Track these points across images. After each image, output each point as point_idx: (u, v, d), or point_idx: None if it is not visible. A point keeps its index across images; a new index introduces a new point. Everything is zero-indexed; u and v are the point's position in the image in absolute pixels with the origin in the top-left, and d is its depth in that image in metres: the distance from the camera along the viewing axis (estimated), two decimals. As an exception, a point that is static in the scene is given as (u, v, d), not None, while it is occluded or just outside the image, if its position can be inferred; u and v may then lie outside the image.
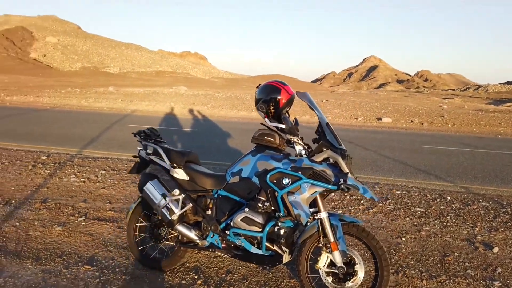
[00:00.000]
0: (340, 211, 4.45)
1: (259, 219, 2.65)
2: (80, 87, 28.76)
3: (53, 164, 6.35)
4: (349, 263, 2.66)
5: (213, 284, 2.92)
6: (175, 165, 2.97)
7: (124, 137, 9.63)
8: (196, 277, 3.01)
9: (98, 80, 48.41)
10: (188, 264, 3.20)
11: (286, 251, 2.70)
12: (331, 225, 2.62)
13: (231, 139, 9.84)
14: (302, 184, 2.57)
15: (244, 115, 15.87)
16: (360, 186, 2.55)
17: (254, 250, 2.75)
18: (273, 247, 2.69)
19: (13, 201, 4.51)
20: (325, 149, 2.62)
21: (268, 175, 2.64)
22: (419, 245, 3.65)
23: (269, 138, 2.73)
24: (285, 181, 2.60)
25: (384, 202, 4.84)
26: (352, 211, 4.47)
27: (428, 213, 4.56)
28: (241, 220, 2.69)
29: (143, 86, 29.06)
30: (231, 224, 2.75)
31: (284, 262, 2.72)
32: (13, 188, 5.02)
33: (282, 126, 2.65)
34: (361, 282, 2.64)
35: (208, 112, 16.22)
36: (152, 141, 3.14)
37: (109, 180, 5.54)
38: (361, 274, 2.63)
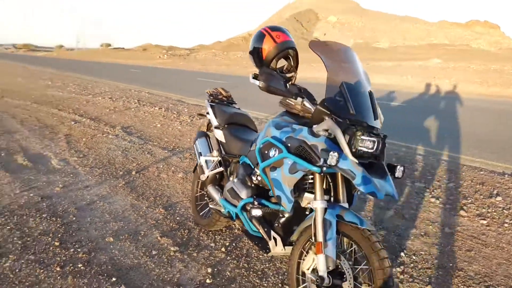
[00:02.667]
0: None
1: (242, 193, 2.34)
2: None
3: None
4: (338, 275, 1.99)
5: (237, 256, 2.82)
6: (218, 125, 2.95)
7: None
8: (226, 243, 2.97)
9: (360, 54, 49.49)
10: (227, 230, 3.17)
11: (276, 239, 2.28)
12: (324, 220, 2.01)
13: (439, 119, 8.31)
14: (285, 159, 2.08)
15: (494, 92, 12.82)
16: (358, 174, 1.85)
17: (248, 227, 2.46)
18: (261, 229, 2.31)
19: (176, 148, 5.57)
20: (326, 118, 1.99)
21: (259, 144, 2.27)
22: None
23: (288, 101, 2.28)
24: (272, 152, 2.18)
25: None
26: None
27: None
28: (227, 190, 2.45)
29: (398, 60, 27.67)
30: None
31: (273, 252, 2.31)
32: (189, 140, 6.16)
33: (257, 82, 2.17)
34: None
35: (446, 87, 14.02)
36: (210, 100, 3.18)
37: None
38: None
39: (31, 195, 3.66)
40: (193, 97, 11.35)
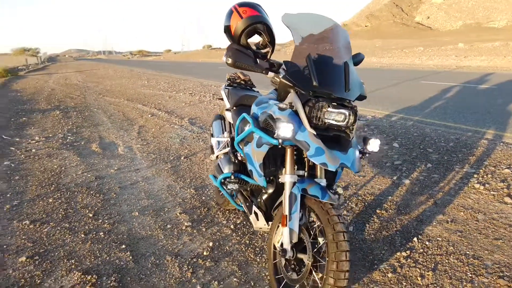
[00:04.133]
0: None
1: (225, 168, 2.41)
2: (439, 45, 27.82)
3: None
4: (304, 248, 1.97)
5: (243, 233, 2.91)
6: (229, 107, 3.05)
7: (404, 95, 9.12)
8: (238, 221, 3.06)
9: (469, 36, 44.47)
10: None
11: (258, 214, 2.30)
12: (291, 194, 2.00)
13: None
14: (253, 134, 2.11)
15: None
16: (313, 146, 1.83)
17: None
18: (243, 204, 2.36)
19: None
20: (291, 90, 1.99)
21: (238, 121, 2.32)
22: None
23: (273, 78, 2.29)
24: (246, 128, 2.21)
25: None
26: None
27: None
28: (214, 166, 2.53)
29: (507, 40, 24.19)
30: None
31: (256, 227, 2.35)
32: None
33: (224, 59, 2.18)
34: (316, 281, 1.89)
35: None
36: (227, 84, 3.28)
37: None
38: (307, 268, 1.89)
39: (89, 175, 4.20)
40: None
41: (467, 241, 2.57)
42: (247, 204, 2.35)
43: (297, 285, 1.99)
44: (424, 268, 2.31)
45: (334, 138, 1.97)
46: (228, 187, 2.30)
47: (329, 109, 1.90)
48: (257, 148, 2.09)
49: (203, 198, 3.55)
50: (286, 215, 1.97)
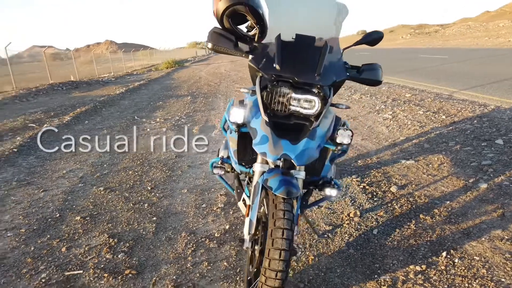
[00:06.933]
0: None
1: (220, 152, 2.39)
2: None
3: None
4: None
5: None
6: None
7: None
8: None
9: None
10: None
11: (246, 200, 2.23)
12: (256, 184, 1.92)
13: None
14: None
15: None
16: (260, 133, 1.78)
17: None
18: (234, 191, 2.31)
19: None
20: (258, 74, 1.92)
21: (229, 104, 2.29)
22: None
23: None
24: None
25: None
26: None
27: None
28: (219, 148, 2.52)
29: None
30: None
31: (244, 214, 2.28)
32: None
33: (206, 44, 2.11)
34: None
35: None
36: None
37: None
38: (257, 262, 1.79)
39: (172, 154, 4.67)
40: (395, 76, 10.55)
41: (515, 268, 1.95)
42: (238, 190, 2.29)
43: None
44: (430, 289, 1.86)
45: (294, 126, 1.79)
46: (214, 171, 2.29)
47: (293, 95, 1.76)
48: (230, 134, 2.05)
49: (253, 183, 3.57)
50: (249, 205, 1.89)
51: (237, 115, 1.84)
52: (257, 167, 1.91)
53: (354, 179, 3.38)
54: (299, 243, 2.47)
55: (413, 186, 3.13)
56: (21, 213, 3.19)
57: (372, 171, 3.55)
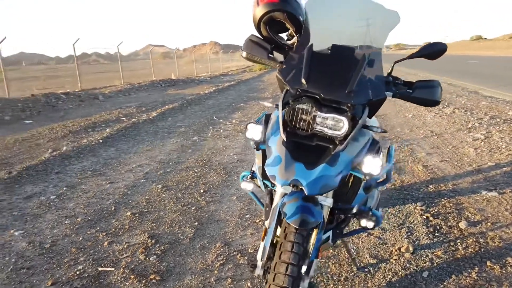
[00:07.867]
0: None
1: (253, 166, 2.24)
2: None
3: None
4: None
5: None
6: None
7: None
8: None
9: None
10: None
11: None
12: (275, 206, 1.79)
13: None
14: None
15: None
16: (274, 154, 1.69)
17: None
18: (263, 208, 2.15)
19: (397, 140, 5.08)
20: (284, 87, 1.80)
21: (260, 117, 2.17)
22: None
23: None
24: None
25: None
26: None
27: None
28: None
29: None
30: None
31: None
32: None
33: (241, 52, 1.97)
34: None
35: None
36: None
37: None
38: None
39: (235, 157, 4.66)
40: (502, 90, 9.23)
41: None
42: (267, 209, 2.13)
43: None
44: None
45: (316, 148, 1.59)
46: (242, 186, 2.15)
47: (318, 113, 1.56)
48: (256, 150, 1.91)
49: (305, 197, 3.36)
50: (266, 229, 1.74)
51: (254, 131, 1.71)
52: (279, 188, 1.74)
53: (418, 207, 2.96)
54: (334, 273, 2.23)
55: (488, 224, 2.62)
56: (84, 202, 3.44)
57: (442, 199, 3.08)
